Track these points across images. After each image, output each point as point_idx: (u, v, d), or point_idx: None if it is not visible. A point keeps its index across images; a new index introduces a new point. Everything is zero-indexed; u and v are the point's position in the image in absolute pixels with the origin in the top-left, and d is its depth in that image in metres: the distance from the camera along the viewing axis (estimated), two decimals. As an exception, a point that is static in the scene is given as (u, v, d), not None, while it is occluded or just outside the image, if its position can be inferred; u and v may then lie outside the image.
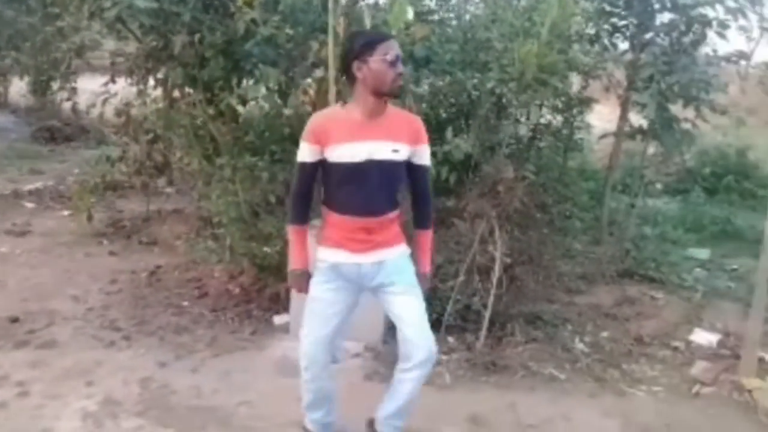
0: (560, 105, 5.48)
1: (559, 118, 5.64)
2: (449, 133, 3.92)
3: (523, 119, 5.31)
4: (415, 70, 4.13)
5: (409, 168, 2.48)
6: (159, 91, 4.69)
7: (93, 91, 7.84)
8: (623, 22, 5.35)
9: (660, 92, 5.14)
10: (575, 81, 5.37)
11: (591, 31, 5.05)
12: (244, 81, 4.19)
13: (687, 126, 5.42)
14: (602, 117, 6.02)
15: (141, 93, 4.60)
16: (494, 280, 3.70)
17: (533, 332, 3.89)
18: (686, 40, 5.27)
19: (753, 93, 6.08)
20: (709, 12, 5.17)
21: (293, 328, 3.69)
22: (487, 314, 3.70)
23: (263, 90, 3.87)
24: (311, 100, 4.10)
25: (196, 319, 3.87)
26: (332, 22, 3.45)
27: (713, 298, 4.68)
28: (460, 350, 3.65)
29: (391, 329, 3.69)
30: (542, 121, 5.46)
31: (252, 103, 4.31)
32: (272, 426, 2.89)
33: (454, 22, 4.88)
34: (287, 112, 3.94)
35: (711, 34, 5.26)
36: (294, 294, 3.65)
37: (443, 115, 4.97)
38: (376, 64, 2.31)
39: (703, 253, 5.73)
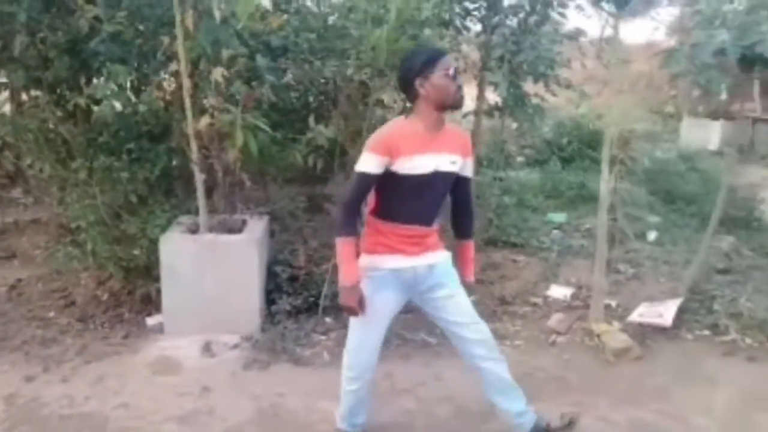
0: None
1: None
2: (312, 120, 4.00)
3: (393, 103, 5.52)
4: (272, 60, 4.17)
5: (456, 179, 2.57)
6: (2, 96, 4.42)
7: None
8: (474, 5, 5.65)
9: (511, 71, 5.52)
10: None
11: (445, 15, 5.28)
12: (94, 80, 4.06)
13: (537, 101, 5.87)
14: (471, 96, 6.31)
15: (-18, 98, 4.30)
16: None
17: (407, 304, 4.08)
18: (531, 20, 5.66)
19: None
20: (550, -7, 5.59)
21: (168, 327, 3.67)
22: (362, 292, 3.85)
23: (114, 88, 3.77)
24: (165, 96, 4.03)
25: (63, 329, 3.73)
26: (179, 16, 3.41)
27: (568, 256, 5.11)
28: (337, 329, 3.77)
29: (267, 317, 3.78)
30: (407, 104, 5.71)
31: (105, 101, 4.18)
32: (149, 424, 2.88)
33: (314, 11, 4.92)
34: (142, 108, 3.85)
35: (554, 14, 5.71)
36: (165, 292, 3.62)
37: (313, 103, 5.06)
38: (439, 79, 2.38)
39: (560, 217, 6.21)
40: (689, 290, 4.19)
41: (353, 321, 2.58)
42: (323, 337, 3.69)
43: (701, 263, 4.35)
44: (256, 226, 3.86)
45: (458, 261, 2.71)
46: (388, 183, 2.43)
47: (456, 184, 2.58)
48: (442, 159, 2.47)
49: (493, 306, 4.17)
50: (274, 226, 4.26)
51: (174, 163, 4.08)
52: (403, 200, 2.47)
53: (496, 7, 5.52)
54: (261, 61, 4.00)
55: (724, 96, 6.74)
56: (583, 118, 9.59)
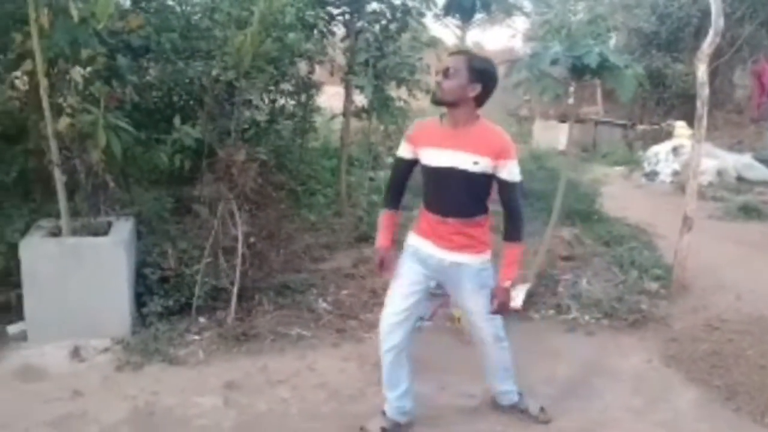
0: (291, 89, 5.86)
1: (292, 102, 6.03)
2: (177, 120, 4.00)
3: (263, 104, 5.57)
4: (133, 59, 4.12)
5: (498, 183, 2.70)
6: None
7: None
8: (338, 11, 5.85)
9: (375, 75, 5.80)
10: (303, 66, 5.77)
11: (310, 19, 5.42)
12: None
13: (401, 104, 6.20)
14: (341, 98, 6.49)
15: None
16: (239, 258, 3.93)
17: (281, 301, 4.19)
18: (393, 27, 5.97)
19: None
20: (410, 2, 5.92)
21: (31, 334, 3.53)
22: (235, 290, 3.92)
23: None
24: (21, 95, 3.86)
25: None
26: (33, 13, 3.30)
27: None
28: (212, 328, 3.81)
29: (138, 319, 3.74)
30: (277, 105, 5.80)
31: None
32: (18, 431, 2.79)
33: (176, 10, 4.87)
34: (-5, 109, 3.67)
35: (412, 23, 6.05)
36: (27, 298, 3.49)
37: (179, 103, 5.00)
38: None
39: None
40: (536, 276, 4.65)
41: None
42: (197, 337, 3.72)
43: (547, 251, 4.84)
44: (123, 228, 3.80)
45: (500, 262, 2.83)
46: (422, 171, 2.76)
47: (499, 187, 2.72)
48: (461, 156, 2.63)
49: (364, 298, 4.39)
50: (140, 228, 4.20)
51: (31, 165, 3.91)
52: (427, 188, 2.77)
53: (359, 12, 5.76)
54: (122, 60, 3.95)
55: (571, 100, 7.44)
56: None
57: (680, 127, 10.05)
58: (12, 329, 3.60)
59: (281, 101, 5.83)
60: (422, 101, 6.33)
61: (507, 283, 2.77)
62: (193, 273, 3.94)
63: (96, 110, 3.48)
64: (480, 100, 2.66)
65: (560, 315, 4.33)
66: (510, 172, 2.67)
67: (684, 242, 4.70)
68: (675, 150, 9.06)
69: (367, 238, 5.54)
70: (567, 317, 4.30)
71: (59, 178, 3.55)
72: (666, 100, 13.04)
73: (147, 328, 3.67)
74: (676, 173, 8.73)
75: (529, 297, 4.41)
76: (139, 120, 4.06)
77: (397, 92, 6.20)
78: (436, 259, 2.78)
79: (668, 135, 10.42)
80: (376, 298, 4.46)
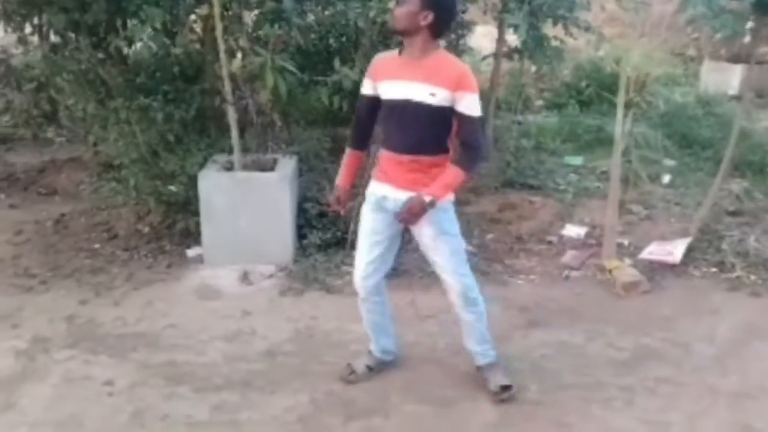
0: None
1: (442, 42, 5.97)
2: (337, 62, 4.13)
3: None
4: (298, 2, 4.27)
5: (457, 118, 2.53)
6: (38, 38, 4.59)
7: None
8: (496, -54, 5.63)
9: (530, 13, 5.56)
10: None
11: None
12: (129, 22, 4.20)
13: (556, 44, 5.92)
14: (491, 38, 6.35)
15: (21, 40, 4.47)
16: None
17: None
18: (552, -38, 5.65)
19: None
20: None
21: (207, 258, 3.94)
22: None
23: (149, 31, 3.92)
24: (200, 38, 4.18)
25: (109, 259, 4.02)
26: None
27: (583, 197, 5.26)
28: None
29: (299, 249, 4.03)
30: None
31: (140, 44, 4.33)
32: (198, 342, 3.18)
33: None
34: (176, 51, 4.01)
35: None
36: (204, 225, 3.88)
37: (333, 45, 5.17)
38: None
39: (577, 160, 6.33)
40: (699, 230, 4.36)
41: None
42: (351, 269, 3.93)
43: (712, 205, 4.51)
44: (287, 165, 4.07)
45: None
46: (381, 107, 2.65)
47: (458, 123, 2.55)
48: (417, 88, 2.49)
49: (509, 244, 4.39)
50: (301, 165, 4.47)
51: (206, 103, 4.27)
52: (384, 124, 2.66)
53: (516, -53, 5.49)
54: (287, 3, 4.11)
55: (747, 39, 6.70)
56: (603, 61, 9.55)
57: None
58: (191, 252, 4.04)
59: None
60: (579, 40, 6.01)
61: (426, 198, 2.48)
62: (349, 209, 4.14)
63: (264, 52, 3.68)
64: (436, 30, 2.50)
65: (723, 273, 4.04)
66: (468, 106, 2.50)
67: None
68: None
69: (513, 184, 5.47)
70: (730, 276, 4.02)
71: (232, 116, 3.85)
72: None
73: (307, 258, 3.95)
74: None
75: (689, 252, 4.17)
76: (300, 62, 4.25)
77: (552, 31, 5.93)
78: (391, 200, 2.63)
79: None
80: (521, 243, 4.45)
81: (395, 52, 2.64)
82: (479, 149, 2.59)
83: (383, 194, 2.67)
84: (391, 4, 2.57)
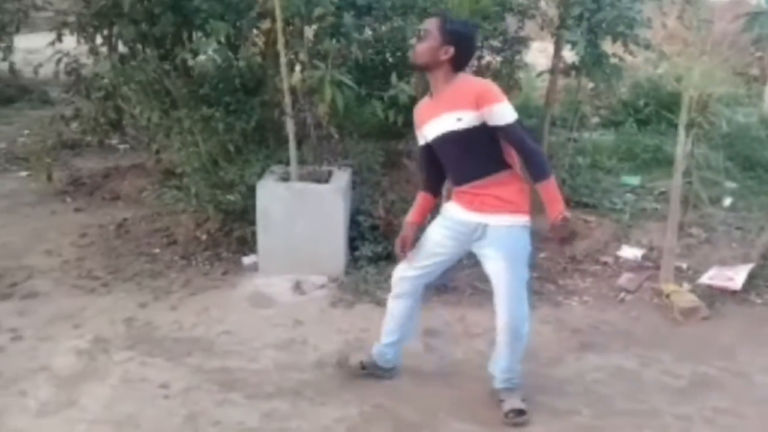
0: (498, 45, 5.80)
1: (498, 58, 5.96)
2: (393, 77, 4.17)
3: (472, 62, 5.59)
4: (357, 17, 4.35)
5: (497, 132, 2.56)
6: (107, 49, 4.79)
7: (28, 49, 7.72)
8: (555, -37, 5.60)
9: (589, 29, 5.50)
10: (512, 21, 5.67)
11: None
12: (194, 35, 4.36)
13: (615, 61, 5.83)
14: (548, 55, 6.31)
15: (92, 50, 4.69)
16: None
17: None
18: (612, -22, 5.58)
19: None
20: (634, -48, 5.49)
21: (262, 266, 4.01)
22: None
23: (214, 44, 4.06)
24: (261, 51, 4.29)
25: (168, 264, 4.14)
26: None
27: (640, 218, 5.14)
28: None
29: (351, 261, 4.07)
30: (483, 62, 5.79)
31: (203, 56, 4.49)
32: (250, 349, 3.24)
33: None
34: (239, 63, 4.13)
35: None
36: (260, 234, 3.96)
37: (390, 60, 5.22)
38: None
39: (634, 180, 6.20)
40: (761, 256, 4.21)
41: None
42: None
43: (776, 229, 4.36)
44: (341, 177, 4.12)
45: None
46: None
47: (501, 134, 2.55)
48: (444, 120, 2.57)
49: (563, 263, 4.32)
50: (354, 178, 4.52)
51: (266, 115, 4.38)
52: (442, 164, 2.74)
53: (575, -38, 5.45)
54: (348, 19, 4.19)
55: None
56: (662, 79, 9.34)
57: None
58: (246, 260, 4.12)
59: (487, 58, 5.80)
60: (639, 58, 5.91)
61: (559, 216, 2.53)
62: (400, 223, 4.14)
63: (323, 66, 3.76)
64: (456, 64, 2.57)
65: (788, 302, 3.90)
66: (499, 116, 2.50)
67: None
68: None
69: (567, 202, 5.31)
70: (794, 304, 3.87)
71: (291, 128, 3.93)
72: None
73: (358, 270, 3.99)
74: None
75: (751, 278, 4.02)
76: (357, 76, 4.32)
77: (611, 48, 5.85)
78: (462, 220, 2.65)
79: None
80: (576, 264, 4.37)
81: (427, 96, 2.72)
82: (533, 152, 2.56)
83: (454, 212, 2.71)
84: (413, 41, 2.66)
